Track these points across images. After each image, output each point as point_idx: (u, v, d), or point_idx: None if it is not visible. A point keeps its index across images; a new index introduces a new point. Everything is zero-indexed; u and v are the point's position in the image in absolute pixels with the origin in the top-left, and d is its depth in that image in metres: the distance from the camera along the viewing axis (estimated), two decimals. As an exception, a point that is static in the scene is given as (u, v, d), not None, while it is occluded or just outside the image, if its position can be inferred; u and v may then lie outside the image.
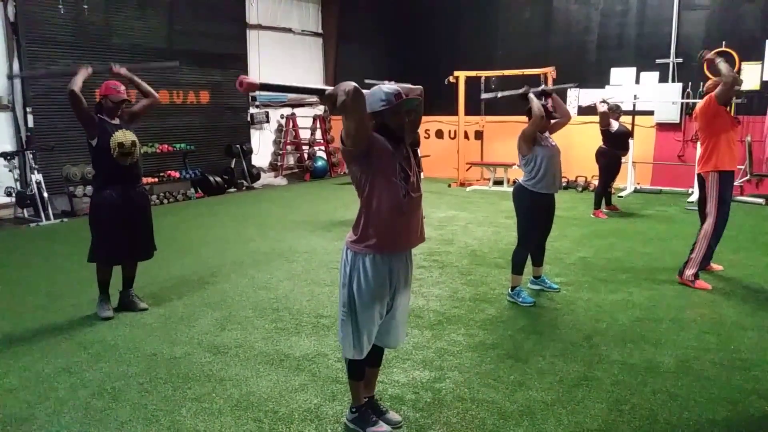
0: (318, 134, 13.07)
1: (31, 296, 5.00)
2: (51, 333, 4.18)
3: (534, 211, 4.62)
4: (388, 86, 2.65)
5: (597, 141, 8.20)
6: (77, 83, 4.32)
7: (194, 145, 10.78)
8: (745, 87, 8.32)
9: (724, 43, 9.65)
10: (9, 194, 8.40)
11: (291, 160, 13.44)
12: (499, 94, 5.67)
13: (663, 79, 10.31)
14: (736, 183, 5.87)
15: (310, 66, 13.56)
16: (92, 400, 3.21)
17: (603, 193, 8.23)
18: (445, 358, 3.70)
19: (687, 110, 10.08)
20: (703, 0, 9.96)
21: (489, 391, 3.27)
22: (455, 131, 11.88)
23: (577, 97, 10.82)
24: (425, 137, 12.40)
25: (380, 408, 2.97)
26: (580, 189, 10.39)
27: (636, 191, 10.07)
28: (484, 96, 6.05)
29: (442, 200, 9.64)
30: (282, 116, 12.93)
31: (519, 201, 4.66)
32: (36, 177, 8.12)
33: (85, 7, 9.15)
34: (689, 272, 5.00)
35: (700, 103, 5.04)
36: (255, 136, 12.45)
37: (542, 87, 4.80)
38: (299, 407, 3.12)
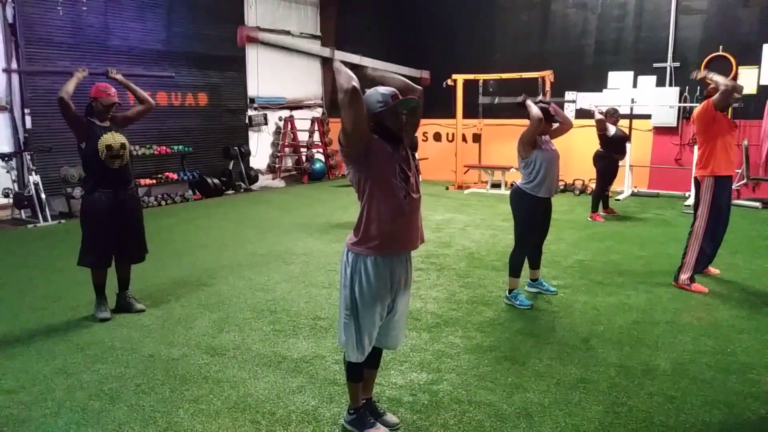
0: (316, 136, 13.08)
1: (28, 297, 4.99)
2: (48, 334, 4.17)
3: (531, 214, 4.64)
4: (384, 88, 2.66)
5: (594, 144, 8.22)
6: (68, 89, 4.33)
7: (192, 146, 10.77)
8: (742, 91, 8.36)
9: (721, 47, 9.70)
10: (6, 195, 8.39)
11: (289, 163, 13.44)
12: (496, 100, 5.68)
13: (660, 83, 10.34)
14: (733, 187, 5.87)
15: (307, 68, 13.57)
16: (89, 402, 3.21)
17: (600, 196, 8.25)
18: (443, 360, 3.71)
19: (684, 114, 10.12)
20: (700, 4, 10.00)
21: (486, 393, 3.28)
22: (453, 134, 11.91)
23: (574, 100, 10.85)
24: (423, 140, 12.42)
25: (378, 410, 2.98)
26: (577, 192, 10.41)
27: (633, 194, 10.09)
28: (482, 100, 6.08)
29: (439, 203, 9.66)
30: (280, 118, 12.93)
31: (516, 204, 4.67)
32: (34, 178, 8.10)
33: (84, 9, 9.16)
34: (684, 276, 5.02)
35: (698, 107, 5.06)
36: (253, 138, 12.44)
37: (540, 98, 4.81)
38: (297, 409, 3.12)
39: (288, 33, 12.93)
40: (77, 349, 3.90)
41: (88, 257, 4.46)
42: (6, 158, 8.22)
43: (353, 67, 2.69)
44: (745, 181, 9.22)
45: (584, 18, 11.06)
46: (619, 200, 9.50)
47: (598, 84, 10.75)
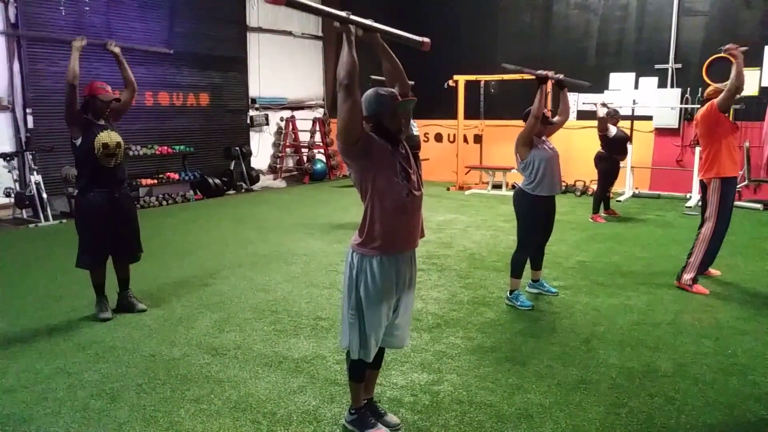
0: (317, 137, 13.08)
1: (29, 297, 5.00)
2: (49, 334, 4.18)
3: (534, 215, 4.64)
4: (383, 88, 2.68)
5: (596, 145, 8.22)
6: (75, 69, 4.24)
7: (193, 147, 10.77)
8: (743, 93, 8.35)
9: (722, 49, 9.67)
10: (8, 195, 8.40)
11: (290, 163, 13.44)
12: (520, 68, 5.57)
13: (662, 84, 10.34)
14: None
15: (310, 69, 13.59)
16: (91, 401, 3.22)
17: (601, 197, 8.25)
18: (444, 361, 3.71)
19: (686, 115, 10.11)
20: (702, 6, 9.99)
21: (487, 394, 3.28)
22: (454, 135, 11.91)
23: (575, 101, 10.85)
24: (424, 141, 12.41)
25: (379, 410, 2.98)
26: (578, 193, 10.40)
27: (634, 196, 10.08)
28: (505, 65, 5.97)
29: (440, 203, 9.66)
30: (281, 119, 12.93)
31: (519, 205, 4.67)
32: (35, 178, 8.12)
33: (86, 8, 9.18)
34: (687, 276, 5.02)
35: (701, 109, 5.05)
36: (254, 138, 12.45)
37: (561, 76, 4.82)
38: (297, 409, 3.12)
39: (290, 33, 12.95)
40: (78, 349, 3.91)
41: (84, 258, 4.45)
42: (7, 158, 8.23)
43: (365, 30, 2.75)
44: (746, 182, 9.22)
45: (586, 19, 11.06)
46: (620, 201, 9.49)
47: (599, 85, 10.74)
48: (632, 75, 10.59)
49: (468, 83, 11.12)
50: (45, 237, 7.47)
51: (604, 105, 8.06)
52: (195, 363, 3.68)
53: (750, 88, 9.28)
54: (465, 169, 11.51)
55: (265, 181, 12.39)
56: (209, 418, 3.03)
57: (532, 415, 3.06)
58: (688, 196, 9.46)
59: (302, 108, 13.36)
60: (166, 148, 10.20)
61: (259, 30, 12.22)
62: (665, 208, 9.04)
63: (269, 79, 12.45)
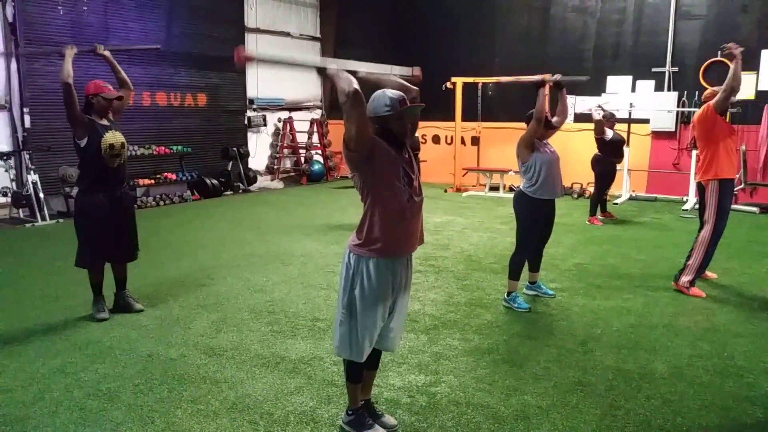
0: (315, 138, 13.08)
1: (26, 297, 4.98)
2: (46, 333, 4.17)
3: (534, 218, 4.65)
4: (392, 92, 2.66)
5: (592, 148, 8.24)
6: (69, 70, 4.25)
7: (191, 147, 10.76)
8: (740, 96, 8.38)
9: (719, 53, 9.71)
10: (5, 194, 8.37)
11: (288, 164, 13.44)
12: (519, 78, 5.59)
13: (659, 87, 10.37)
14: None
15: (307, 70, 13.57)
16: (87, 401, 3.21)
17: (598, 200, 8.28)
18: (441, 362, 3.71)
19: (682, 119, 10.15)
20: (699, 10, 10.03)
21: (484, 395, 3.28)
22: (452, 137, 11.93)
23: (573, 104, 10.87)
24: (422, 142, 12.42)
25: (376, 411, 2.98)
26: (575, 196, 10.43)
27: (631, 198, 10.11)
28: (504, 79, 5.98)
29: (438, 205, 9.66)
30: (279, 119, 12.93)
31: (519, 207, 4.68)
32: (32, 177, 8.10)
33: (84, 8, 9.17)
34: (685, 279, 5.03)
35: (698, 111, 5.07)
36: (252, 139, 12.45)
37: (558, 76, 4.83)
38: (295, 410, 3.12)
39: (288, 34, 12.95)
40: (75, 349, 3.90)
41: (84, 258, 4.45)
42: (4, 157, 8.21)
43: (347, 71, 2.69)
44: (742, 186, 9.25)
45: (584, 22, 11.10)
46: (617, 204, 9.51)
47: (596, 88, 10.77)
48: (629, 78, 10.63)
49: (466, 85, 11.14)
50: (42, 237, 7.45)
51: (599, 108, 8.06)
52: (192, 363, 3.68)
53: (746, 92, 9.32)
54: (462, 171, 11.53)
55: (263, 181, 12.39)
56: (206, 419, 3.03)
57: (528, 416, 3.06)
58: (684, 199, 9.50)
59: (300, 109, 13.37)
60: (163, 148, 10.19)
61: (257, 30, 12.23)
62: (662, 211, 9.07)
63: (267, 79, 12.45)
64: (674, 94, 10.14)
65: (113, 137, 4.37)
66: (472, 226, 7.97)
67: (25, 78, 8.57)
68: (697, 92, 9.71)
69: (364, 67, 2.72)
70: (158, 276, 5.54)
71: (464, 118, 11.43)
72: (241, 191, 11.51)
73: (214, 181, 10.88)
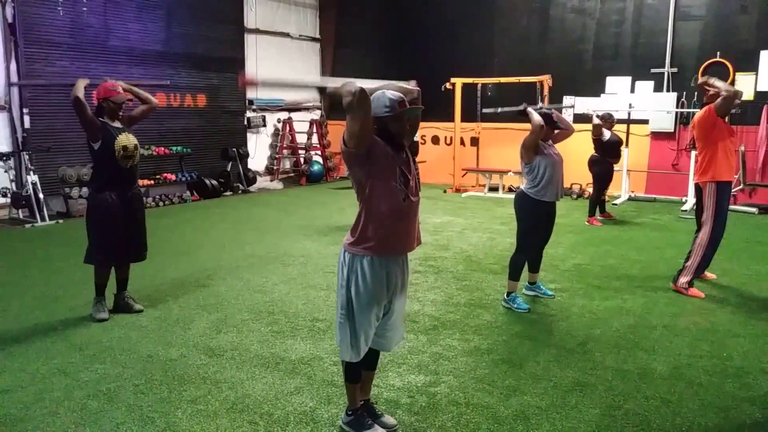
0: (314, 138, 13.08)
1: (26, 297, 4.99)
2: (46, 334, 4.17)
3: (534, 218, 4.66)
4: (392, 92, 2.67)
5: (590, 149, 8.25)
6: (80, 90, 4.33)
7: (191, 148, 10.78)
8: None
9: (718, 53, 9.74)
10: (4, 195, 8.37)
11: (287, 164, 13.44)
12: (499, 110, 5.71)
13: (658, 88, 10.38)
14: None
15: (307, 71, 13.57)
16: (88, 401, 3.21)
17: (597, 200, 8.29)
18: (440, 362, 3.72)
19: (681, 119, 10.16)
20: (698, 11, 10.05)
21: (483, 395, 3.29)
22: (451, 137, 11.94)
23: (572, 105, 10.88)
24: (421, 143, 12.44)
25: (376, 411, 2.99)
26: (575, 196, 10.43)
27: (630, 199, 10.12)
28: (485, 110, 6.10)
29: (437, 206, 9.67)
30: (279, 120, 12.93)
31: (520, 207, 4.69)
32: (32, 178, 8.10)
33: (84, 9, 9.17)
34: (683, 280, 5.04)
35: (698, 113, 5.07)
36: (251, 139, 12.45)
37: (540, 105, 4.84)
38: (295, 410, 3.13)
39: (287, 35, 12.95)
40: (75, 349, 3.91)
41: (97, 255, 4.48)
42: (4, 158, 8.21)
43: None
44: (741, 186, 9.26)
45: (583, 23, 11.11)
46: (616, 205, 9.53)
47: (596, 89, 10.79)
48: (628, 79, 10.64)
49: (465, 86, 11.15)
50: (41, 237, 7.45)
51: (599, 117, 8.10)
52: (192, 364, 3.68)
53: (745, 93, 9.33)
54: (462, 171, 11.54)
55: (262, 182, 12.39)
56: (206, 419, 3.03)
57: (528, 416, 3.07)
58: (683, 199, 9.50)
59: (299, 110, 13.36)
60: (163, 148, 10.20)
61: (257, 31, 12.23)
62: (661, 212, 9.08)
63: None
64: (673, 95, 10.15)
65: (126, 139, 4.44)
66: (471, 227, 7.98)
67: (25, 78, 8.56)
68: (696, 93, 9.73)
69: (364, 83, 2.73)
70: (158, 276, 5.54)
71: (463, 119, 11.44)
72: (240, 192, 11.52)
73: (214, 182, 10.89)
